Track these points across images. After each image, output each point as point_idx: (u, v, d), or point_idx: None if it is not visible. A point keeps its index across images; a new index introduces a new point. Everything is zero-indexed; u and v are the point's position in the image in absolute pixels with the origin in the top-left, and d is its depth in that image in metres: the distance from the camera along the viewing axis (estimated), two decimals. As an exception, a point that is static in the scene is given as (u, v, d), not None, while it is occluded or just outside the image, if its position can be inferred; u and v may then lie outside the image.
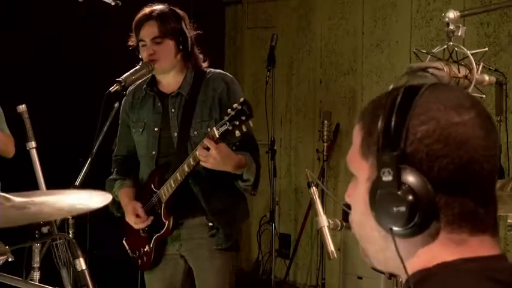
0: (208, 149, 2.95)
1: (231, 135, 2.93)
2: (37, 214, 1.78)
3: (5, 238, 2.24)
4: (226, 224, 3.22)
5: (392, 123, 1.07)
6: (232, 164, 3.04)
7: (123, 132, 3.39)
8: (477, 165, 1.07)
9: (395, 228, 1.08)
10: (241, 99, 2.92)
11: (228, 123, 2.90)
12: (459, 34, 2.26)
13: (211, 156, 2.94)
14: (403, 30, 5.11)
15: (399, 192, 1.06)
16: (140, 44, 3.16)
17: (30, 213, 1.74)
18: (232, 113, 2.90)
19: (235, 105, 2.91)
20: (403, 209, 1.06)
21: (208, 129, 2.99)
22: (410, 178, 1.06)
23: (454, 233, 1.08)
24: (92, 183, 3.14)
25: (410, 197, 1.06)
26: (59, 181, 2.93)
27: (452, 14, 2.24)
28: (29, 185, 2.62)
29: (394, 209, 1.07)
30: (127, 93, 3.31)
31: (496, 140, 1.10)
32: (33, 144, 2.78)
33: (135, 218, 3.22)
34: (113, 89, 3.00)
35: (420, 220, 1.06)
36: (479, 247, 1.08)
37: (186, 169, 3.06)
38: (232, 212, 3.26)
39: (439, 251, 1.08)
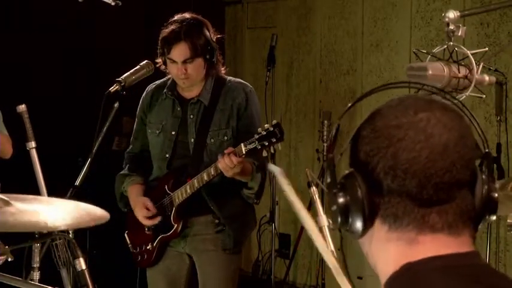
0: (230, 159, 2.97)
1: (258, 153, 2.97)
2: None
3: (5, 238, 2.24)
4: (237, 229, 3.26)
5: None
6: (244, 174, 3.09)
7: (138, 130, 3.43)
8: (410, 165, 1.07)
9: (344, 229, 1.14)
10: (274, 122, 2.97)
11: (257, 142, 2.94)
12: (459, 34, 2.25)
13: (233, 170, 2.98)
14: (403, 30, 5.10)
15: (333, 193, 1.13)
16: (169, 61, 3.18)
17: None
18: (263, 133, 2.94)
19: (266, 125, 2.95)
20: (335, 208, 1.13)
21: (236, 145, 3.01)
22: (346, 179, 1.13)
23: (400, 232, 1.10)
24: (91, 183, 3.15)
25: (341, 198, 1.12)
26: (59, 181, 2.93)
27: (452, 14, 2.24)
28: (28, 185, 2.62)
29: (332, 208, 1.14)
30: (146, 91, 3.36)
31: (446, 143, 1.08)
32: (33, 144, 2.79)
33: (146, 212, 3.23)
34: (112, 89, 3.01)
35: (355, 220, 1.10)
36: (436, 246, 1.09)
37: (206, 178, 3.09)
38: (243, 217, 3.30)
39: (396, 252, 1.10)
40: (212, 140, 3.20)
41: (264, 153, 2.98)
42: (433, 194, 1.08)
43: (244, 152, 2.96)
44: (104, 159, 3.40)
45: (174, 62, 3.16)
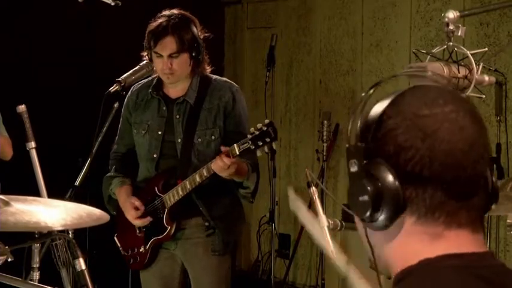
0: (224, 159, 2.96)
1: (252, 153, 2.94)
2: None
3: (5, 238, 2.23)
4: (225, 229, 3.23)
5: (360, 118, 1.12)
6: (240, 174, 3.08)
7: (124, 130, 3.39)
8: (444, 157, 1.07)
9: (366, 220, 1.11)
10: (267, 121, 2.94)
11: (250, 142, 2.91)
12: (459, 34, 2.26)
13: (228, 170, 2.96)
14: (403, 30, 5.10)
15: (363, 182, 1.09)
16: (155, 55, 3.16)
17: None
18: (256, 132, 2.91)
19: (259, 125, 2.92)
20: (366, 197, 1.09)
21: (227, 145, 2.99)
22: (376, 168, 1.09)
23: (427, 225, 1.08)
24: (91, 183, 3.15)
25: (373, 186, 1.08)
26: (59, 181, 2.93)
27: (451, 14, 2.25)
28: (28, 185, 2.62)
29: (360, 198, 1.10)
30: (131, 91, 3.33)
31: (474, 136, 1.09)
32: (32, 144, 2.78)
33: (135, 212, 3.22)
34: (112, 89, 3.01)
35: (386, 210, 1.08)
36: (458, 243, 1.09)
37: (198, 179, 3.07)
38: (231, 217, 3.28)
39: (418, 246, 1.09)
40: (199, 140, 3.17)
41: (259, 153, 2.94)
42: (467, 186, 1.08)
43: (238, 153, 2.93)
44: (104, 159, 3.40)
45: (159, 56, 3.13)
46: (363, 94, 1.15)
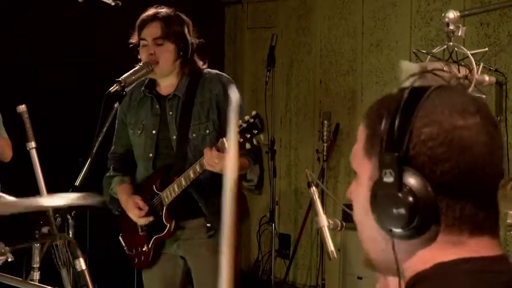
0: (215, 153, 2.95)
1: (241, 147, 2.92)
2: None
3: (5, 238, 2.23)
4: None
5: (396, 124, 1.06)
6: (240, 168, 3.05)
7: (120, 131, 3.39)
8: (480, 170, 1.06)
9: (394, 230, 1.07)
10: (254, 113, 2.91)
11: (238, 135, 2.89)
12: (459, 34, 2.26)
13: (219, 165, 2.95)
14: (403, 30, 5.10)
15: (400, 194, 1.05)
16: (141, 43, 3.16)
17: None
18: (244, 125, 2.89)
19: (246, 117, 2.90)
20: (402, 211, 1.05)
21: (217, 139, 2.98)
22: (412, 180, 1.05)
23: (453, 235, 1.07)
24: (91, 183, 3.14)
25: (410, 199, 1.05)
26: (59, 181, 2.93)
27: (452, 14, 2.25)
28: (28, 184, 2.62)
29: (394, 210, 1.06)
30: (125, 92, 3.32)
31: (500, 145, 1.09)
32: (33, 144, 2.78)
33: (138, 211, 3.21)
34: (112, 89, 3.00)
35: (420, 222, 1.05)
36: (478, 248, 1.08)
37: (192, 175, 3.06)
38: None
39: (436, 252, 1.08)
40: (194, 135, 3.16)
41: (248, 146, 2.92)
42: (494, 196, 1.08)
43: (226, 147, 2.93)
44: (104, 159, 3.40)
45: (145, 44, 3.14)
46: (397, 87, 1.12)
